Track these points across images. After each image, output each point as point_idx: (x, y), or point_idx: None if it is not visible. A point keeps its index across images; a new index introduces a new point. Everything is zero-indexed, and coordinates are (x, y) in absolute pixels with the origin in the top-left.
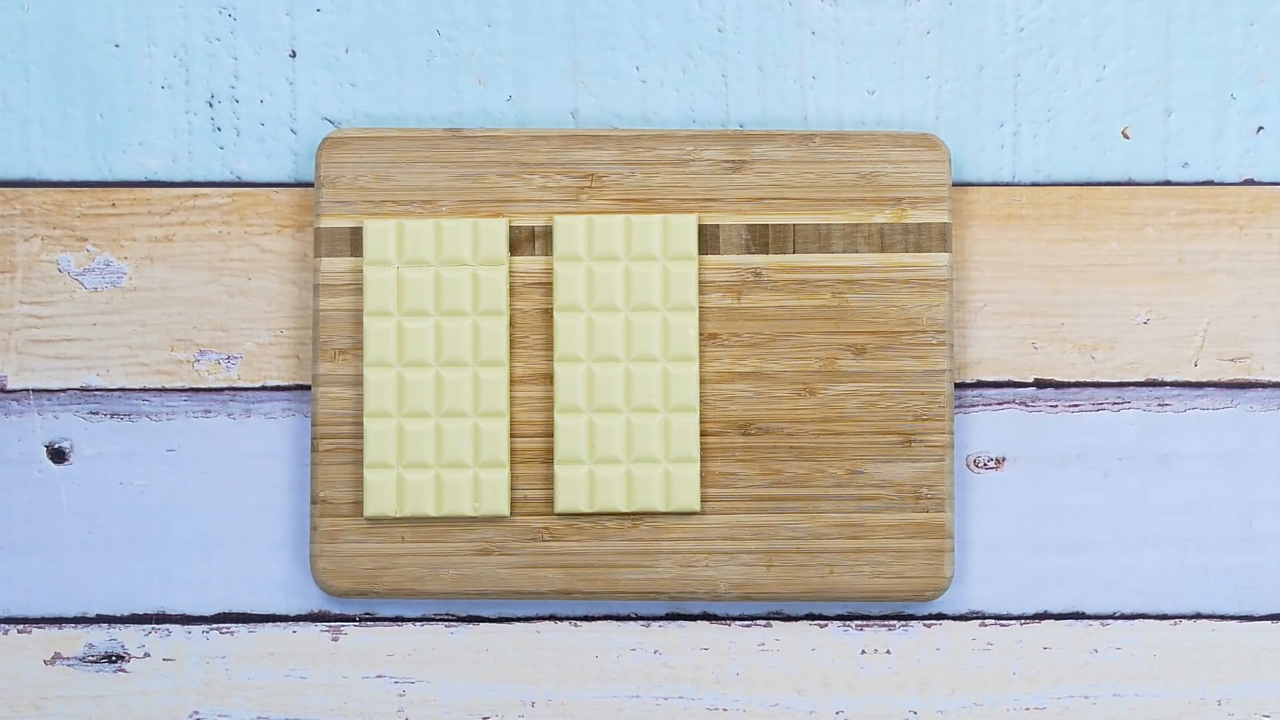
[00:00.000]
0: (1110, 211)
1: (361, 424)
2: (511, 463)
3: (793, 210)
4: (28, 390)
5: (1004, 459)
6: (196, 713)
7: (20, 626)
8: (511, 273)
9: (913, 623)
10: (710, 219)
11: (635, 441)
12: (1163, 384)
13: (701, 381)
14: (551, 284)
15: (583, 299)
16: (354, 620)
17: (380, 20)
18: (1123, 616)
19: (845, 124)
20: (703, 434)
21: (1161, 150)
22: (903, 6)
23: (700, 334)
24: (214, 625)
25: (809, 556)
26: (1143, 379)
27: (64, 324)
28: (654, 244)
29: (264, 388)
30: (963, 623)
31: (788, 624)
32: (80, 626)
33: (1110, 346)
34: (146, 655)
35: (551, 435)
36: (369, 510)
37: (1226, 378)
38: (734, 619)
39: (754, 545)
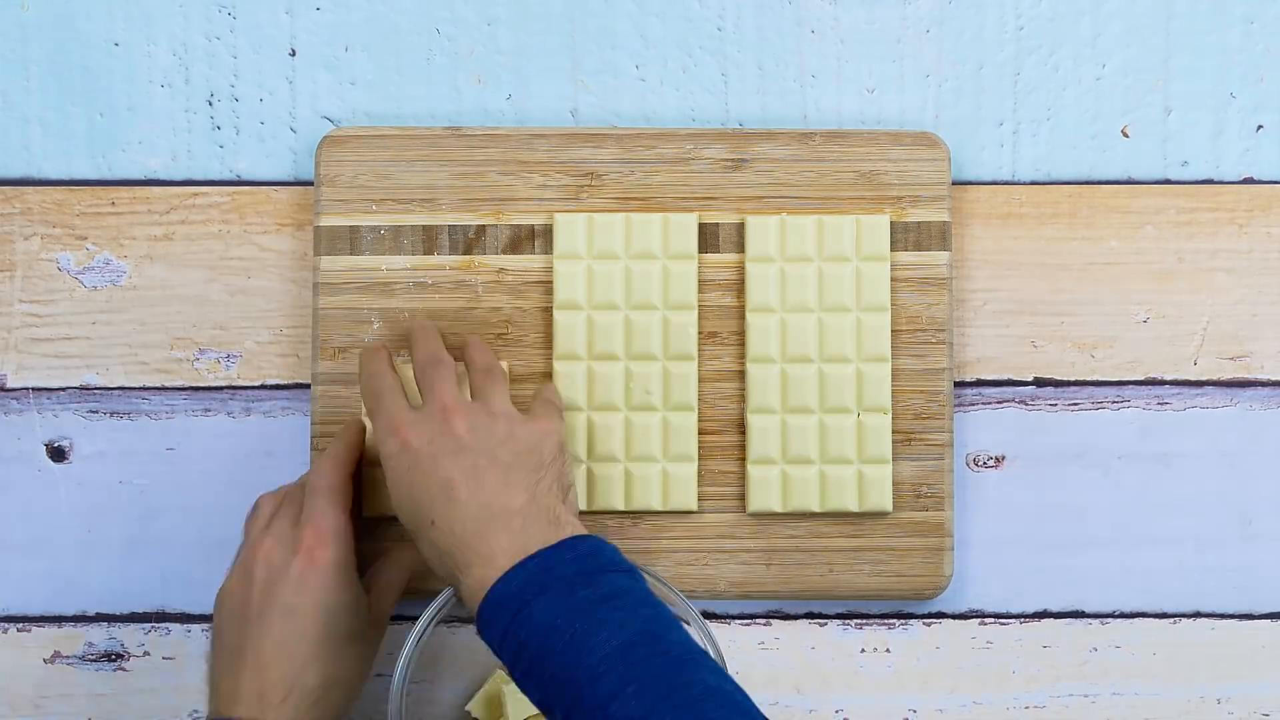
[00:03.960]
0: (1110, 210)
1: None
2: None
3: (792, 209)
4: (27, 389)
5: (1004, 458)
6: (196, 712)
7: (20, 625)
8: (510, 271)
9: (912, 621)
10: (710, 218)
11: (634, 440)
12: (1162, 382)
13: (700, 380)
14: (551, 282)
15: (583, 297)
16: None
17: (380, 19)
18: (1122, 615)
19: (845, 122)
20: (702, 432)
21: (1161, 149)
22: (902, 5)
23: (699, 332)
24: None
25: (809, 555)
26: (1142, 377)
27: (63, 322)
28: (654, 243)
29: (263, 386)
30: (962, 621)
31: (787, 622)
32: (80, 625)
33: (1110, 345)
34: (146, 654)
35: None
36: (367, 510)
37: (1226, 376)
38: (733, 617)
39: (753, 544)
